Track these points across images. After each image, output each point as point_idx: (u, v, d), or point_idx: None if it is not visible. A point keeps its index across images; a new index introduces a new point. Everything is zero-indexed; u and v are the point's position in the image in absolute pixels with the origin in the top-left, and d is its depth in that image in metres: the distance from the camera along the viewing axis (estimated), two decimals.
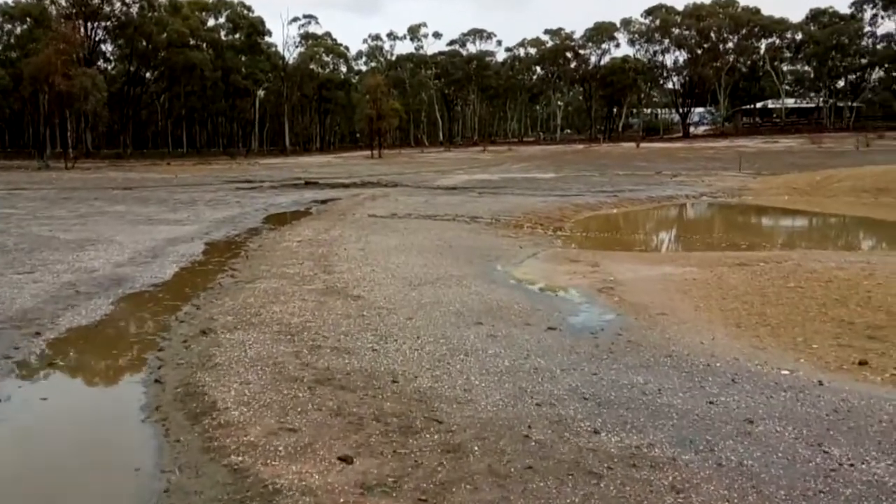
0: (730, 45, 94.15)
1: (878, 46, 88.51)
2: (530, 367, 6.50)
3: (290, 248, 14.13)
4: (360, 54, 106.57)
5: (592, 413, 5.33)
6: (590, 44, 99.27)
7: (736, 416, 5.28)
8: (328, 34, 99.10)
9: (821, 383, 6.09)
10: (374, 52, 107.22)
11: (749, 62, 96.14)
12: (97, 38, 76.04)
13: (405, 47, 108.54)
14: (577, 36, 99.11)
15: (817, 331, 7.48)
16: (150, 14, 75.54)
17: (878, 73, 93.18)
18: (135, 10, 74.35)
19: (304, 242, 14.98)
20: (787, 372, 6.38)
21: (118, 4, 72.76)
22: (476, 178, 41.27)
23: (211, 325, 7.79)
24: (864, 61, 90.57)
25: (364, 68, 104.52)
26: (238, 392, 5.57)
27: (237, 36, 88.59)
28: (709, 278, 10.31)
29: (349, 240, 15.35)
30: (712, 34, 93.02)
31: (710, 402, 5.58)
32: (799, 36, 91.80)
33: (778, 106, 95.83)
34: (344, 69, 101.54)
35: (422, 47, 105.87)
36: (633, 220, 25.61)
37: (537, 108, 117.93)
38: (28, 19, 70.15)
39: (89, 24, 73.11)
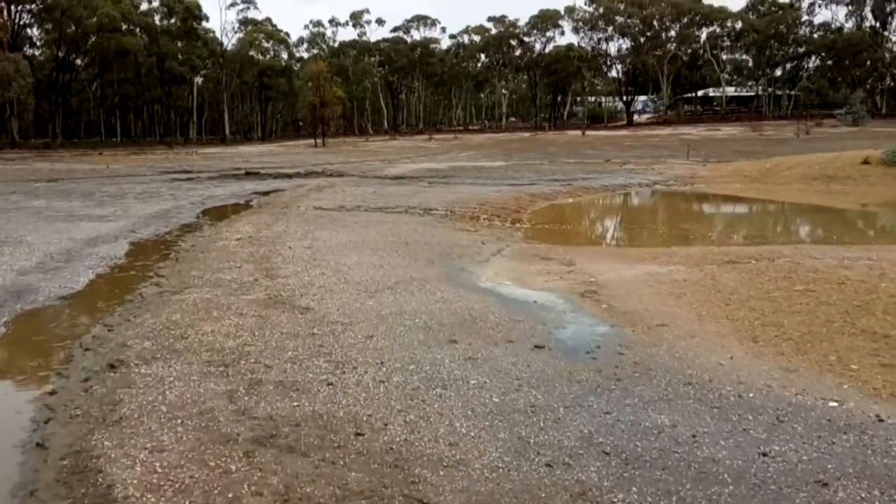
0: (672, 33, 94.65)
1: (815, 35, 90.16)
2: (526, 403, 5.24)
3: (228, 248, 12.59)
4: (301, 41, 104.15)
5: (621, 478, 4.09)
6: (534, 31, 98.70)
7: (803, 477, 4.11)
8: (268, 20, 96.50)
9: (880, 419, 4.97)
10: (315, 39, 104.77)
11: (690, 51, 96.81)
12: (22, 22, 72.00)
13: (348, 34, 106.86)
14: (521, 23, 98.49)
15: (850, 346, 6.40)
16: None
17: (814, 62, 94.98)
18: None
19: (243, 240, 13.44)
20: (834, 404, 5.25)
21: None
22: (424, 167, 39.95)
23: (123, 354, 6.28)
24: (801, 50, 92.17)
25: (306, 55, 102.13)
26: (146, 467, 4.12)
27: (172, 21, 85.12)
28: (701, 279, 9.22)
29: (294, 236, 13.88)
30: (655, 22, 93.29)
31: (764, 455, 4.40)
32: (739, 24, 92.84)
33: (718, 94, 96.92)
34: (285, 56, 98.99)
35: (365, 34, 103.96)
36: (592, 210, 24.65)
37: (482, 95, 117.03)
38: None
39: (13, 7, 69.04)
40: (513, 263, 11.52)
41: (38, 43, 79.26)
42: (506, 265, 11.37)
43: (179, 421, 4.76)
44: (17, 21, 69.92)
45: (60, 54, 74.70)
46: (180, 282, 9.57)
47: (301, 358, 6.25)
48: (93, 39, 73.97)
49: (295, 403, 5.16)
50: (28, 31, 74.85)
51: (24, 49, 70.95)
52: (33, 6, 70.84)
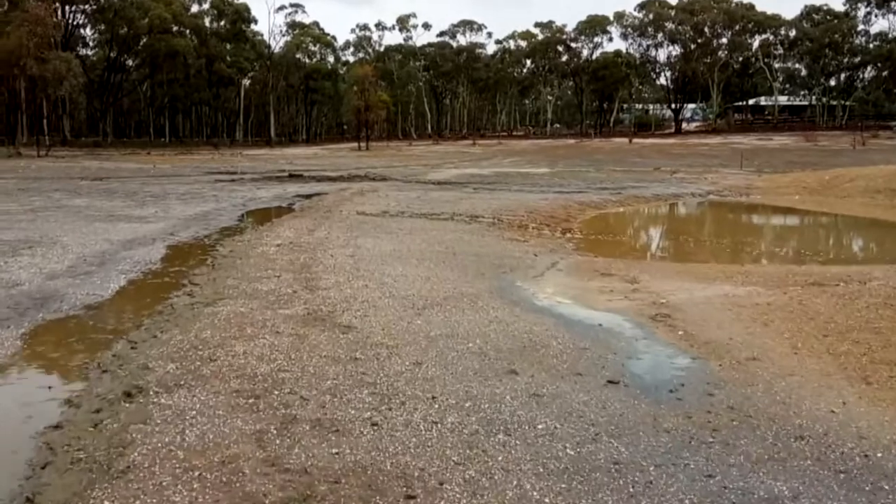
0: (723, 40, 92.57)
1: (871, 45, 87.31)
2: (607, 458, 4.39)
3: (267, 255, 11.94)
4: (347, 45, 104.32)
5: None
6: (582, 37, 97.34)
7: None
8: (316, 23, 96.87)
9: None
10: (362, 43, 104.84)
11: (741, 58, 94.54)
12: (76, 23, 73.14)
13: (394, 38, 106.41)
14: (568, 29, 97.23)
15: None
16: None
17: (870, 72, 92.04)
18: None
19: (283, 247, 12.79)
20: None
21: None
22: (468, 172, 39.22)
23: (143, 379, 5.56)
24: (856, 60, 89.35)
25: (352, 59, 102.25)
26: None
27: (222, 23, 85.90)
28: (787, 303, 8.25)
29: (336, 243, 13.20)
30: (706, 29, 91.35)
31: None
32: (793, 33, 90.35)
33: (770, 103, 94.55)
34: (331, 59, 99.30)
35: (411, 38, 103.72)
36: (645, 221, 23.63)
37: (527, 101, 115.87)
38: (4, 1, 66.98)
39: (67, 7, 70.14)
40: (570, 279, 10.66)
41: (91, 43, 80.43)
42: (563, 281, 10.51)
43: (197, 474, 4.00)
44: (70, 21, 70.99)
45: (112, 55, 75.71)
46: (214, 292, 8.90)
47: (342, 389, 5.48)
48: (144, 40, 74.84)
49: (335, 450, 4.37)
50: (81, 31, 76.04)
51: (78, 49, 71.93)
52: (87, 7, 71.88)
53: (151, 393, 5.25)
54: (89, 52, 79.63)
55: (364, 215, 18.07)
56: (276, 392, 5.34)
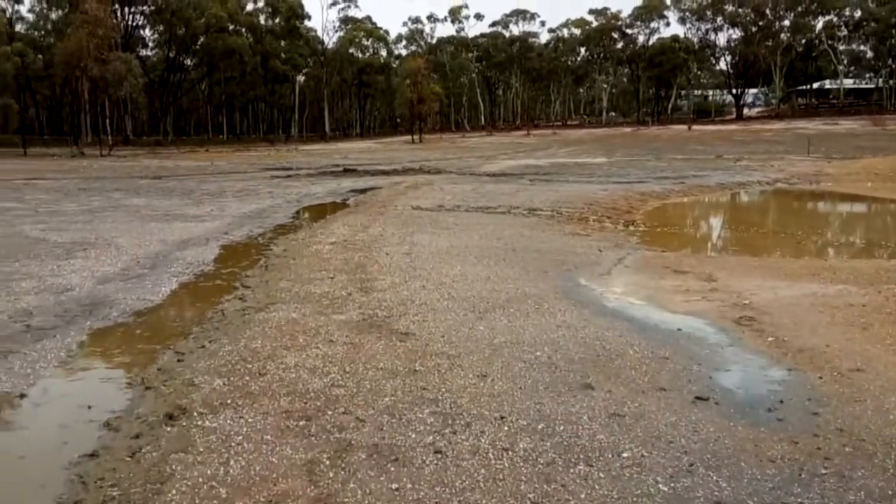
0: (786, 22, 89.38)
1: None
2: (707, 498, 3.80)
3: (321, 254, 11.58)
4: (400, 38, 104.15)
5: None
6: (638, 23, 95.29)
7: None
8: (368, 18, 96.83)
9: None
10: (414, 36, 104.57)
11: (804, 41, 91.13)
12: (135, 24, 74.60)
13: (446, 30, 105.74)
14: (624, 15, 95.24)
15: None
16: None
17: None
18: None
19: (337, 245, 12.43)
20: None
21: None
22: (523, 163, 38.58)
23: (187, 397, 5.16)
24: None
25: (404, 52, 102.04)
26: None
27: (276, 20, 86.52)
28: (883, 304, 7.49)
29: (391, 240, 12.78)
30: (768, 11, 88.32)
31: None
32: (857, 13, 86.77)
33: (835, 87, 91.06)
34: (384, 53, 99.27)
35: (463, 29, 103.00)
36: (713, 212, 22.67)
37: (581, 90, 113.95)
38: (66, 3, 68.64)
39: (126, 8, 71.57)
40: (640, 277, 10.01)
41: (151, 44, 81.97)
42: (632, 279, 9.87)
43: None
44: (129, 22, 72.42)
45: (171, 55, 76.95)
46: (266, 296, 8.53)
47: (401, 407, 5.01)
48: (201, 40, 75.87)
49: (394, 486, 3.90)
50: (140, 32, 77.48)
51: (137, 50, 73.32)
52: (145, 8, 73.22)
53: (195, 414, 4.84)
54: (149, 53, 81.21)
55: (419, 210, 17.65)
56: (330, 412, 4.89)
